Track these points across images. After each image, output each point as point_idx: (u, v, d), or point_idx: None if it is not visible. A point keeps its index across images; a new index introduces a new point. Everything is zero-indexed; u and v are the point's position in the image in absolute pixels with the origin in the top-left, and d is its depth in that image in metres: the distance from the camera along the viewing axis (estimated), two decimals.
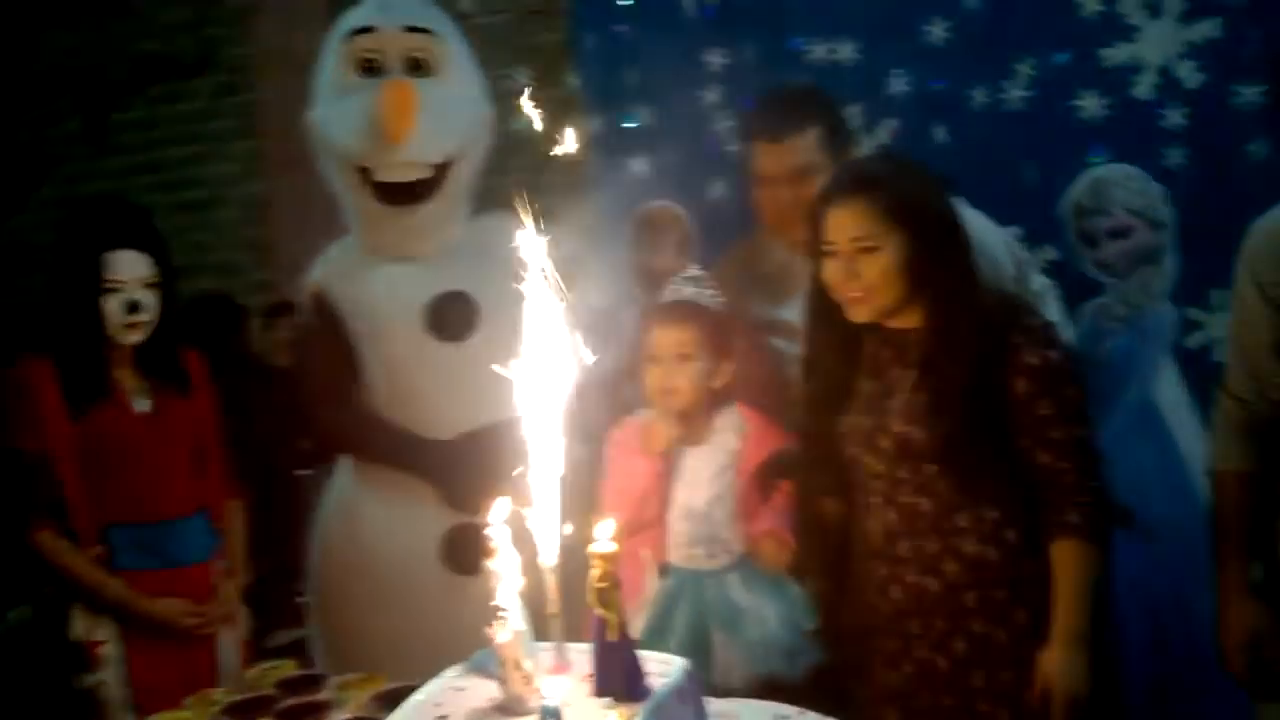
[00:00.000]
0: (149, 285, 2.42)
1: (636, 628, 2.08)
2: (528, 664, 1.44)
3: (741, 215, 3.24)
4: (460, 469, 2.46)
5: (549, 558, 1.49)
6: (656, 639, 2.13)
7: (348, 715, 1.90)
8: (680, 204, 3.25)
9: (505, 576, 1.50)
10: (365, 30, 2.53)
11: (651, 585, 2.25)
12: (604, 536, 1.44)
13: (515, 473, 1.69)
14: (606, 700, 1.41)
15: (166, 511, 2.44)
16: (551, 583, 1.49)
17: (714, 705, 1.58)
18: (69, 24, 6.43)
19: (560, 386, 1.49)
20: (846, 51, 3.23)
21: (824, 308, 2.09)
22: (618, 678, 1.43)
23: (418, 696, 1.51)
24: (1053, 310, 2.50)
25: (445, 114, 2.48)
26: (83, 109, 6.46)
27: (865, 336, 2.10)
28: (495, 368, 1.50)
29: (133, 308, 2.39)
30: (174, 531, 2.44)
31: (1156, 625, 2.79)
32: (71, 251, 2.44)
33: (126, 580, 2.37)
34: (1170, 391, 2.83)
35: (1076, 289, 2.81)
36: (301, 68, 5.68)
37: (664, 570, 2.27)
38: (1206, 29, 3.08)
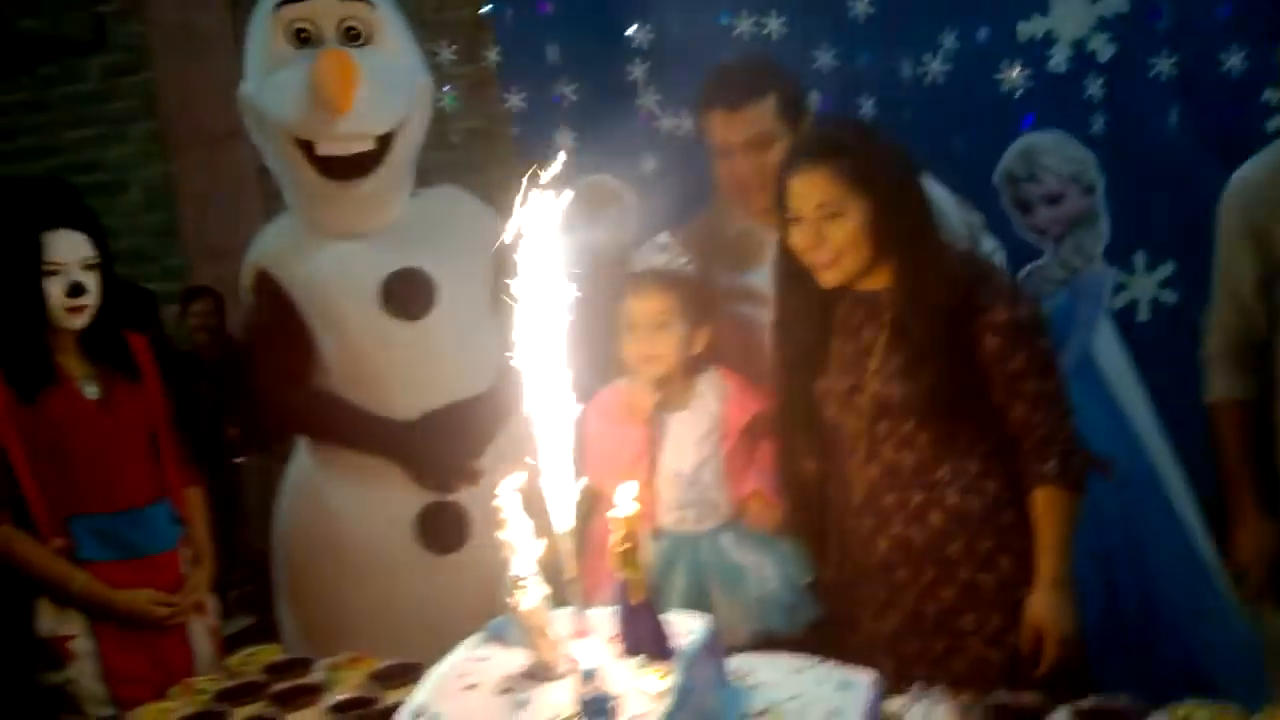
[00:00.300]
0: (89, 267, 2.34)
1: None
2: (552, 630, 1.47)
3: (675, 190, 3.30)
4: (428, 449, 2.44)
5: (563, 523, 1.52)
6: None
7: (346, 695, 1.90)
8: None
9: (519, 545, 1.52)
10: (295, 0, 2.46)
11: (645, 550, 2.28)
12: (624, 499, 1.46)
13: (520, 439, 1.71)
14: (639, 660, 1.44)
15: (128, 500, 2.38)
16: (567, 548, 1.52)
17: (731, 661, 1.63)
18: None
19: (559, 352, 1.49)
20: (773, 25, 3.26)
21: (792, 273, 2.15)
22: (646, 638, 1.46)
23: (440, 669, 1.52)
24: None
25: (386, 83, 2.43)
26: None
27: (836, 299, 2.17)
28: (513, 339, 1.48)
29: (75, 290, 2.31)
30: (137, 520, 2.38)
31: (1107, 571, 2.91)
32: (8, 232, 2.32)
33: (91, 572, 2.30)
34: (1108, 347, 2.96)
35: (1013, 254, 2.88)
36: (200, 45, 5.65)
37: (656, 534, 2.30)
38: (1115, 4, 3.18)
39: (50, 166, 5.92)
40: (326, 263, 2.49)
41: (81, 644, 2.31)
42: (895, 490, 2.12)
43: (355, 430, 2.48)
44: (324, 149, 2.43)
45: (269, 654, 2.16)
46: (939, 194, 2.49)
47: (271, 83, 2.44)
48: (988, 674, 2.03)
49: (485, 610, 2.35)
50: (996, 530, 2.09)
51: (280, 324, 2.51)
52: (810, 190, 2.05)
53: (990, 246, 2.61)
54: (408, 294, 2.46)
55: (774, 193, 2.12)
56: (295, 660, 2.11)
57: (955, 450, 2.10)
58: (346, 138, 2.42)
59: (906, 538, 2.12)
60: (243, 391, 2.96)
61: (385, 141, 2.46)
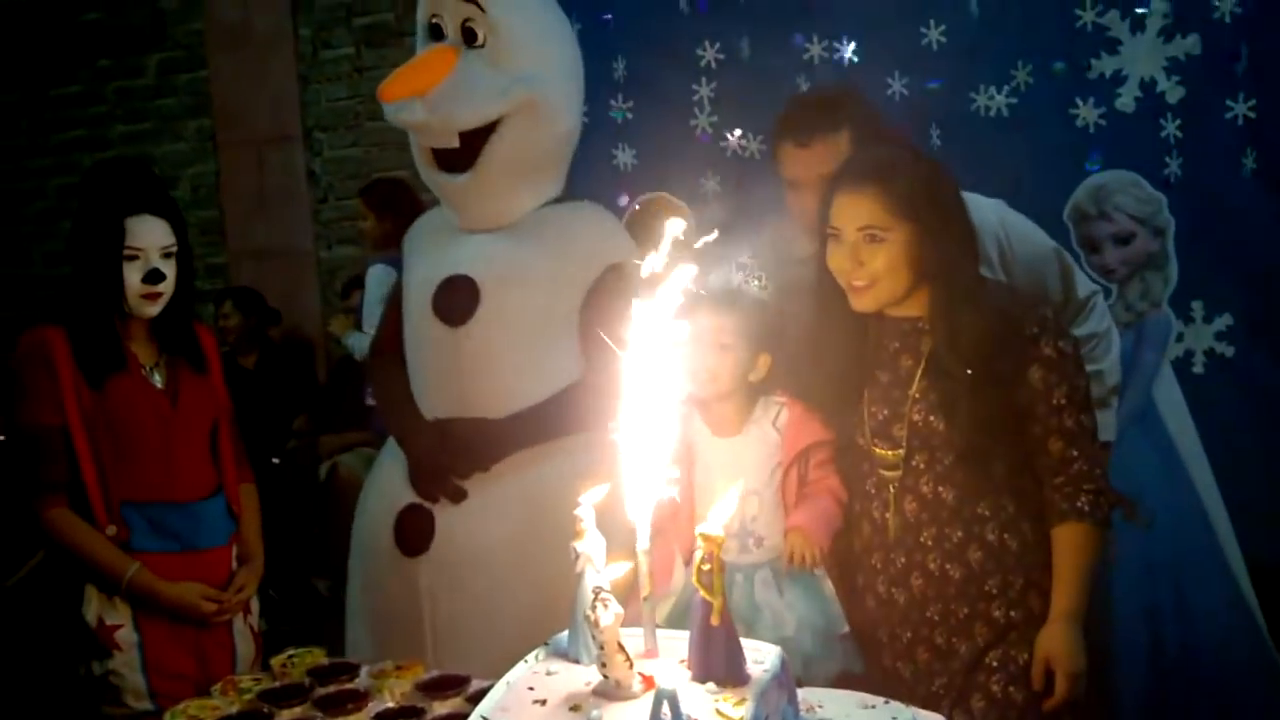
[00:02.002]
0: (167, 255, 2.34)
1: (662, 615, 2.07)
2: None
3: (736, 210, 3.27)
4: (429, 452, 2.44)
5: (643, 541, 1.48)
6: (679, 629, 2.11)
7: (393, 704, 1.87)
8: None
9: (596, 558, 1.49)
10: None
11: (679, 576, 2.24)
12: (714, 518, 1.43)
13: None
14: (710, 685, 1.40)
15: (186, 493, 2.37)
16: (644, 566, 1.49)
17: (802, 693, 1.59)
18: None
19: (667, 378, 1.47)
20: (846, 51, 3.24)
21: (831, 293, 2.13)
22: (720, 662, 1.42)
23: (507, 680, 1.48)
24: (1100, 316, 2.55)
25: (470, 84, 2.42)
26: (22, 80, 6.24)
27: (871, 325, 2.14)
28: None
29: (153, 276, 2.31)
30: (192, 513, 2.37)
31: (1153, 625, 2.87)
32: (92, 215, 2.33)
33: (142, 562, 2.29)
34: (1169, 394, 2.91)
35: None
36: (256, 45, 5.67)
37: (690, 560, 2.25)
38: (1187, 44, 3.14)
39: (101, 159, 5.95)
40: (422, 256, 2.59)
41: (126, 634, 2.30)
42: (934, 525, 2.09)
43: (392, 412, 2.57)
44: (417, 138, 2.51)
45: (313, 657, 2.13)
46: (1032, 235, 2.48)
47: None
48: (1009, 713, 2.03)
49: (430, 616, 2.41)
50: (1030, 568, 2.08)
51: (391, 303, 2.66)
52: (855, 210, 2.04)
53: (1086, 290, 2.57)
54: (453, 299, 2.46)
55: (820, 206, 2.11)
56: (338, 664, 2.08)
57: (994, 487, 2.08)
58: (425, 130, 2.46)
59: (944, 574, 2.09)
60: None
61: (474, 141, 2.45)
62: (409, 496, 2.45)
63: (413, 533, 2.42)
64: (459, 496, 2.41)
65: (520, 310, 2.46)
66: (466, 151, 2.45)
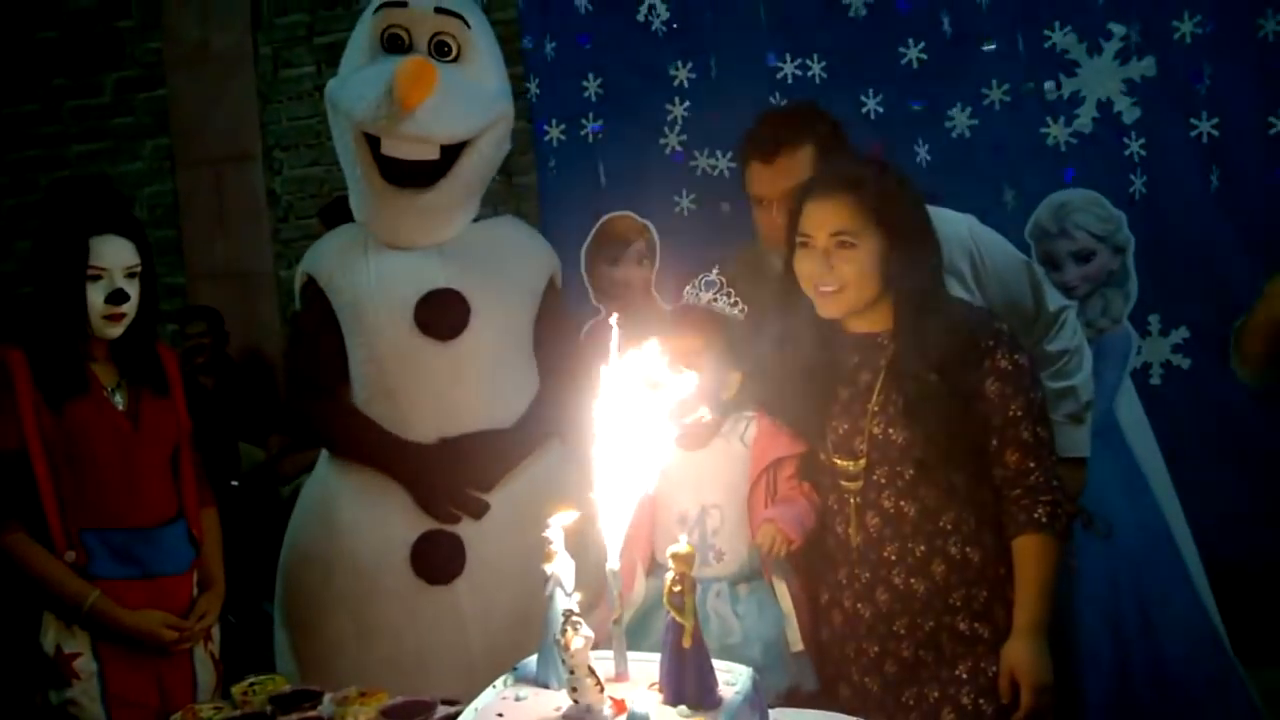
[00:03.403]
0: (131, 275, 2.31)
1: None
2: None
3: (705, 229, 3.28)
4: (439, 475, 2.41)
5: (613, 561, 1.47)
6: (635, 641, 2.09)
7: None
8: (641, 215, 3.25)
9: (566, 581, 1.48)
10: (398, 4, 2.48)
11: (639, 588, 2.22)
12: (680, 540, 1.42)
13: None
14: (682, 708, 1.39)
15: (146, 518, 2.32)
16: (615, 589, 1.47)
17: (773, 714, 1.58)
18: None
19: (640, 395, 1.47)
20: (816, 69, 3.26)
21: (794, 303, 2.14)
22: (692, 685, 1.41)
23: (475, 706, 1.46)
24: (1070, 331, 2.56)
25: (459, 97, 2.43)
26: None
27: (832, 340, 2.15)
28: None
29: (117, 297, 2.27)
30: (154, 539, 2.32)
31: (1118, 639, 2.90)
32: (55, 234, 2.29)
33: (102, 590, 2.24)
34: (1130, 410, 2.95)
35: None
36: (215, 64, 5.62)
37: (650, 572, 2.24)
38: (1143, 66, 3.18)
39: (60, 178, 5.86)
40: (370, 273, 2.50)
41: (85, 663, 2.24)
42: (897, 540, 2.10)
43: (372, 446, 2.45)
44: (388, 147, 2.42)
45: (274, 684, 2.10)
46: (1004, 249, 2.50)
47: (354, 79, 2.47)
48: None
49: (463, 643, 2.37)
50: (993, 581, 2.09)
51: (315, 332, 2.52)
52: (828, 217, 2.06)
53: (1056, 305, 2.57)
54: (441, 313, 2.45)
55: (788, 215, 2.12)
56: (301, 692, 2.05)
57: (955, 500, 2.09)
58: (411, 139, 2.41)
59: (909, 589, 2.09)
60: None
61: (451, 156, 2.45)
62: (420, 525, 2.41)
63: (440, 559, 2.40)
64: (483, 511, 2.41)
65: (505, 320, 2.51)
66: (435, 166, 2.43)
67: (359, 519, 2.45)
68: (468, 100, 2.45)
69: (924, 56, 3.18)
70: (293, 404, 2.59)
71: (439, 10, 2.46)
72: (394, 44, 2.47)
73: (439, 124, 2.41)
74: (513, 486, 2.47)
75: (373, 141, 2.43)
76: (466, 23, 2.49)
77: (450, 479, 2.41)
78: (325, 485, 2.54)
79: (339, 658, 2.42)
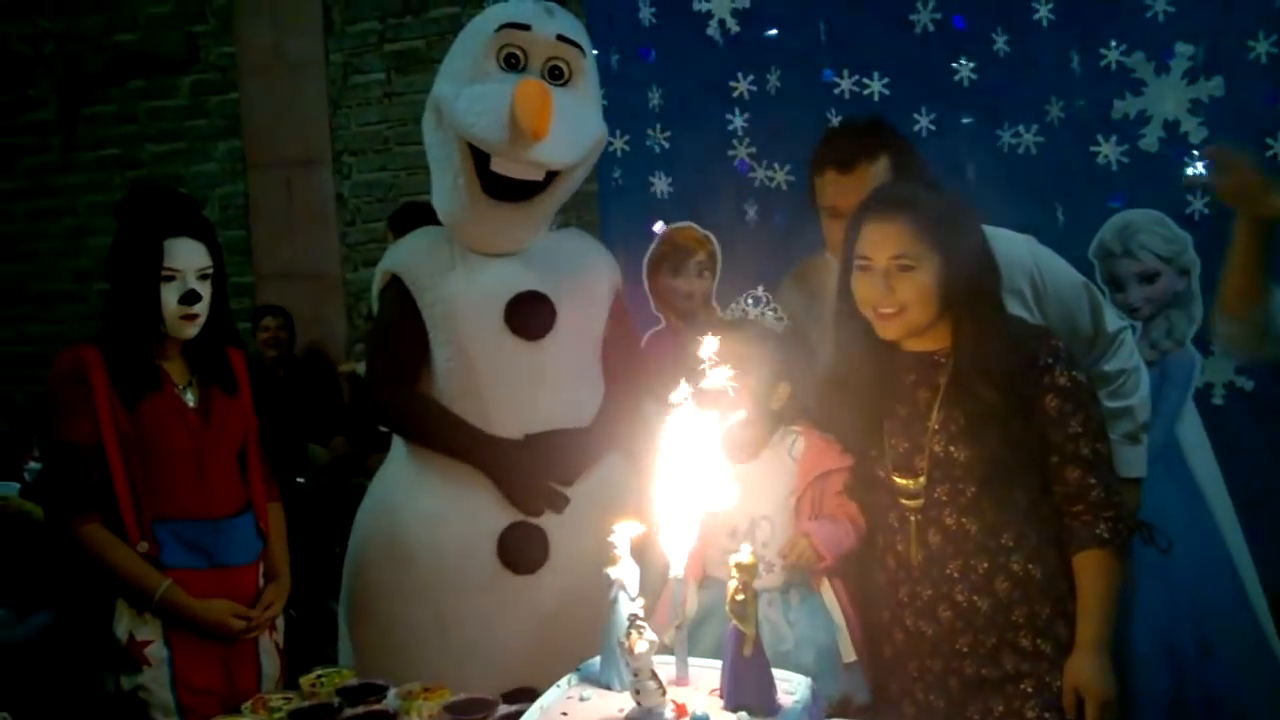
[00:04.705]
0: (204, 276, 2.38)
1: (669, 636, 2.08)
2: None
3: (767, 241, 3.30)
4: (529, 469, 2.49)
5: (677, 568, 1.50)
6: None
7: None
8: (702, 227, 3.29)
9: (630, 586, 1.51)
10: (520, 26, 2.52)
11: (691, 600, 2.25)
12: (744, 550, 1.45)
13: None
14: (742, 714, 1.42)
15: (216, 511, 2.39)
16: (682, 595, 1.50)
17: None
18: (43, 9, 6.30)
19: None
20: (876, 86, 3.27)
21: (852, 324, 2.15)
22: (752, 692, 1.44)
23: (540, 704, 1.50)
24: (1129, 351, 2.56)
25: (572, 125, 2.49)
26: (56, 99, 6.32)
27: (890, 359, 2.16)
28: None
29: (190, 298, 2.34)
30: (223, 531, 2.39)
31: (1174, 663, 2.87)
32: (131, 236, 2.36)
33: (173, 579, 2.31)
34: (1192, 433, 2.92)
35: None
36: (287, 69, 5.74)
37: (702, 584, 2.27)
38: (1211, 86, 3.16)
39: (131, 178, 6.02)
40: (459, 276, 2.57)
41: (156, 650, 2.31)
42: (959, 558, 2.10)
43: (461, 440, 2.51)
44: (500, 166, 2.47)
45: (341, 677, 2.15)
46: (1062, 270, 2.49)
47: (471, 93, 2.48)
48: None
49: (544, 633, 2.41)
50: (1056, 597, 2.10)
51: (402, 328, 2.57)
52: (887, 239, 2.06)
53: (1115, 326, 2.56)
54: (530, 314, 2.53)
55: (846, 237, 2.13)
56: (368, 685, 2.09)
57: (1016, 517, 2.09)
58: (526, 163, 2.47)
59: (972, 606, 2.09)
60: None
61: (551, 177, 2.52)
62: (507, 517, 2.48)
63: (527, 550, 2.47)
64: (564, 504, 2.50)
65: (584, 324, 2.61)
66: (539, 185, 2.50)
67: (443, 511, 2.51)
68: (579, 128, 2.52)
69: (974, 76, 3.17)
70: (374, 398, 2.63)
71: (560, 38, 2.51)
72: (510, 62, 2.51)
73: (556, 153, 2.47)
74: (587, 484, 2.55)
75: (479, 155, 2.47)
76: (584, 51, 2.55)
77: (536, 473, 2.48)
78: (403, 478, 2.59)
79: (420, 647, 2.47)
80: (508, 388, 2.52)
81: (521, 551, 2.47)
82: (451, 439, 2.51)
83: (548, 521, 2.49)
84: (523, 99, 2.39)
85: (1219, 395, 3.08)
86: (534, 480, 2.48)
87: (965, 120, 3.22)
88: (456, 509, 2.50)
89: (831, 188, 2.44)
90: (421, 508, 2.53)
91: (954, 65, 3.19)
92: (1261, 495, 2.97)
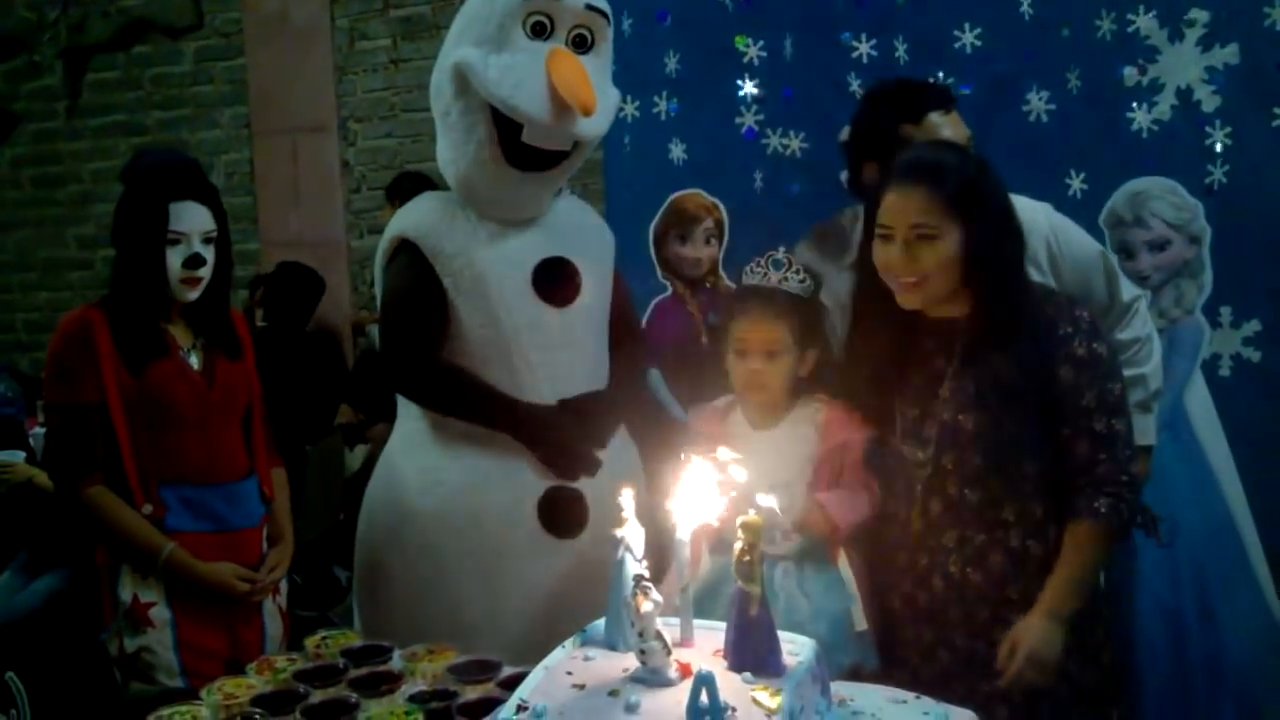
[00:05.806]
0: (208, 240, 2.37)
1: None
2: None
3: (775, 208, 3.28)
4: (565, 434, 2.47)
5: (682, 532, 1.49)
6: (699, 615, 2.11)
7: (423, 686, 1.88)
8: (710, 194, 3.27)
9: (636, 546, 1.50)
10: None
11: (705, 563, 2.25)
12: (751, 507, 1.44)
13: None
14: (747, 675, 1.41)
15: (221, 475, 2.39)
16: (684, 556, 1.50)
17: (833, 686, 1.59)
18: None
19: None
20: (901, 50, 3.24)
21: (872, 291, 2.12)
22: (756, 653, 1.43)
23: (545, 664, 1.50)
24: (1143, 320, 2.54)
25: (601, 95, 2.45)
26: (61, 65, 6.30)
27: (908, 325, 2.13)
28: None
29: (194, 261, 2.33)
30: (228, 494, 2.39)
31: (1176, 632, 2.87)
32: (136, 200, 2.35)
33: (177, 542, 2.31)
34: (1199, 401, 2.92)
35: None
36: (293, 35, 5.70)
37: (714, 549, 2.24)
38: (1226, 54, 3.13)
39: (136, 144, 6.00)
40: (482, 242, 2.52)
41: (160, 612, 2.31)
42: (957, 527, 2.08)
43: (495, 407, 2.47)
44: (532, 138, 2.41)
45: (345, 639, 2.14)
46: (1079, 238, 2.47)
47: (500, 62, 2.41)
48: (1035, 717, 2.02)
49: (585, 595, 2.37)
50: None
51: (422, 296, 2.50)
52: (908, 207, 2.01)
53: (1130, 295, 2.54)
54: (559, 280, 2.52)
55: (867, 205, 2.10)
56: (372, 647, 2.09)
57: (1021, 491, 2.06)
58: (562, 136, 2.43)
59: (964, 578, 2.08)
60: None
61: (575, 145, 2.49)
62: (543, 482, 2.46)
63: (569, 513, 2.47)
64: (598, 468, 2.49)
65: (601, 290, 2.61)
66: (563, 154, 2.47)
67: (477, 479, 2.48)
68: (605, 98, 2.49)
69: (994, 40, 3.14)
70: (398, 369, 2.55)
71: (589, 7, 2.46)
72: (537, 30, 2.44)
73: (590, 125, 2.44)
74: (611, 447, 2.55)
75: (508, 126, 2.41)
76: (609, 19, 2.51)
77: (575, 438, 2.48)
78: (425, 447, 2.54)
79: (467, 614, 2.44)
80: (538, 354, 2.49)
81: (565, 515, 2.46)
82: (486, 408, 2.48)
83: (584, 484, 2.48)
84: (564, 73, 2.35)
85: (1226, 366, 3.07)
86: (573, 444, 2.47)
87: (983, 86, 3.19)
88: (493, 476, 2.47)
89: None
90: (450, 475, 2.49)
91: (969, 30, 3.16)
92: (1266, 464, 2.97)
